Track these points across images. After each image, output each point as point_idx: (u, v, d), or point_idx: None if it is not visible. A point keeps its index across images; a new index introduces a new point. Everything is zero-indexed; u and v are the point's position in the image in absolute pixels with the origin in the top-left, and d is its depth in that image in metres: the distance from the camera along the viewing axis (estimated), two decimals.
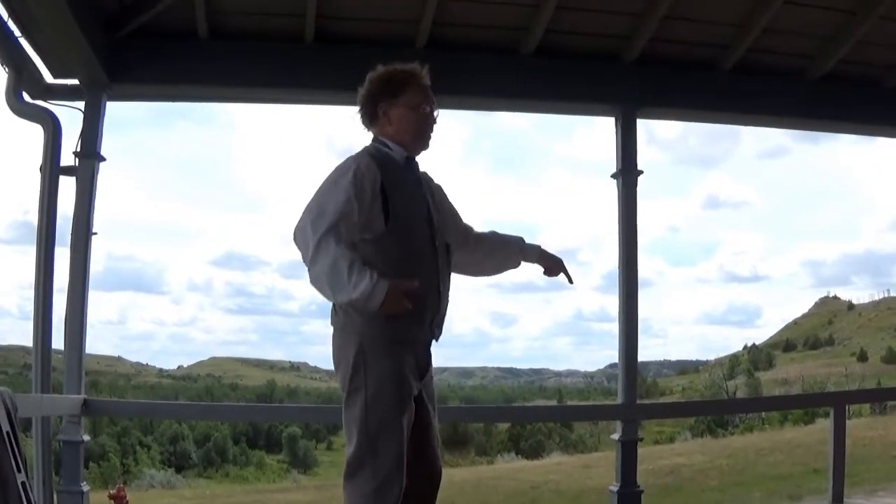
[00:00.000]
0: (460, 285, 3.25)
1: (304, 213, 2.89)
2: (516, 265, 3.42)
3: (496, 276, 3.44)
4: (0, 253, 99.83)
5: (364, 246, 2.90)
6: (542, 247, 3.36)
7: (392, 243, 2.93)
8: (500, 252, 3.38)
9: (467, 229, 3.32)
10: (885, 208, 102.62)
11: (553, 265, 3.37)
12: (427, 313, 2.99)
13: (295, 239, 2.89)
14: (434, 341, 3.11)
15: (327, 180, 2.93)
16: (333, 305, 3.00)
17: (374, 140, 3.14)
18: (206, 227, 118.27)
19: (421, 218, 3.06)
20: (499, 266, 3.43)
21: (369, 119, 3.14)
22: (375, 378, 2.87)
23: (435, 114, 3.16)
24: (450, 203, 3.29)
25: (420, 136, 3.13)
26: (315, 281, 2.84)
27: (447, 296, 3.12)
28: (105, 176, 4.98)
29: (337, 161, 3.01)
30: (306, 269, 2.86)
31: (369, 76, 3.13)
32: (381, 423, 2.85)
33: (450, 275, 3.15)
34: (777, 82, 5.64)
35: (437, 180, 3.28)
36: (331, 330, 2.98)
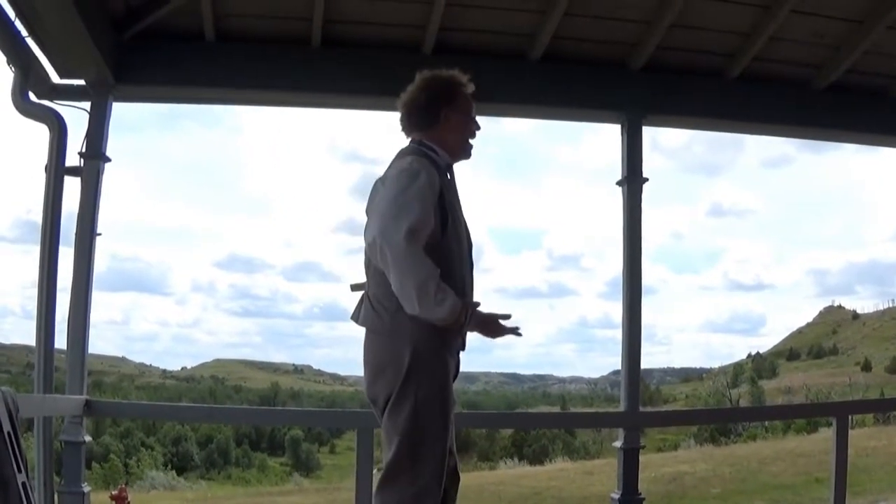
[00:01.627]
0: None
1: (383, 218, 2.80)
2: None
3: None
4: (4, 252, 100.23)
5: (429, 252, 2.81)
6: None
7: (449, 250, 2.91)
8: None
9: None
10: (890, 217, 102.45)
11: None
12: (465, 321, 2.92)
13: (378, 244, 2.77)
14: (462, 350, 3.07)
15: (399, 185, 2.85)
16: (373, 307, 2.93)
17: (419, 143, 3.04)
18: (210, 228, 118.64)
19: (464, 226, 3.06)
20: None
21: (428, 121, 3.05)
22: (427, 386, 2.84)
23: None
24: None
25: (466, 145, 3.12)
26: (400, 289, 2.77)
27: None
28: (110, 177, 4.98)
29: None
30: (392, 272, 2.77)
31: (426, 76, 3.08)
32: (427, 431, 2.82)
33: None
34: (783, 91, 5.63)
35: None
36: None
